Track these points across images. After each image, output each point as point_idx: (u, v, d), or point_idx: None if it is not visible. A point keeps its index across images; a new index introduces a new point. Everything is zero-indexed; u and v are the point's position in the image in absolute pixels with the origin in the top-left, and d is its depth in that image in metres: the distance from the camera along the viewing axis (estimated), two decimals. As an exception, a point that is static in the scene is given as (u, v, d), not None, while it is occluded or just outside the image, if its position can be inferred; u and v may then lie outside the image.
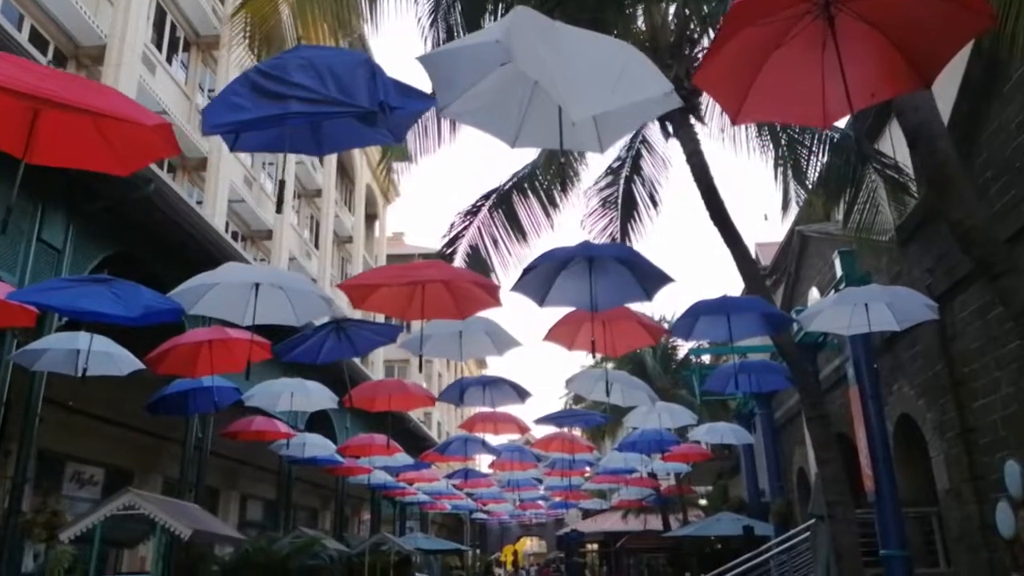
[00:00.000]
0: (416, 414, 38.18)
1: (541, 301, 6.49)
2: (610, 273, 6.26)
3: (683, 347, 26.34)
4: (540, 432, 15.59)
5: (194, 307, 6.53)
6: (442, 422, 46.70)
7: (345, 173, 35.14)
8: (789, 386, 10.22)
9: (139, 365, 8.31)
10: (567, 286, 6.38)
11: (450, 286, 6.81)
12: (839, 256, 12.00)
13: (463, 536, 44.48)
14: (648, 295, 6.33)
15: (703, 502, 30.16)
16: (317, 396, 10.45)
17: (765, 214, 36.24)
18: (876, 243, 11.02)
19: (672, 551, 20.65)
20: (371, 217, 39.54)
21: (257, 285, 6.51)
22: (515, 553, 43.41)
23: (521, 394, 10.49)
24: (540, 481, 26.84)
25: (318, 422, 18.24)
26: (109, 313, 6.06)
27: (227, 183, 21.32)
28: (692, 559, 20.30)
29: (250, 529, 17.50)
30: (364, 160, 35.53)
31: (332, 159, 31.11)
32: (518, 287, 6.24)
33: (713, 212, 8.90)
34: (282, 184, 4.88)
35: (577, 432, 18.10)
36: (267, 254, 26.26)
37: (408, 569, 17.96)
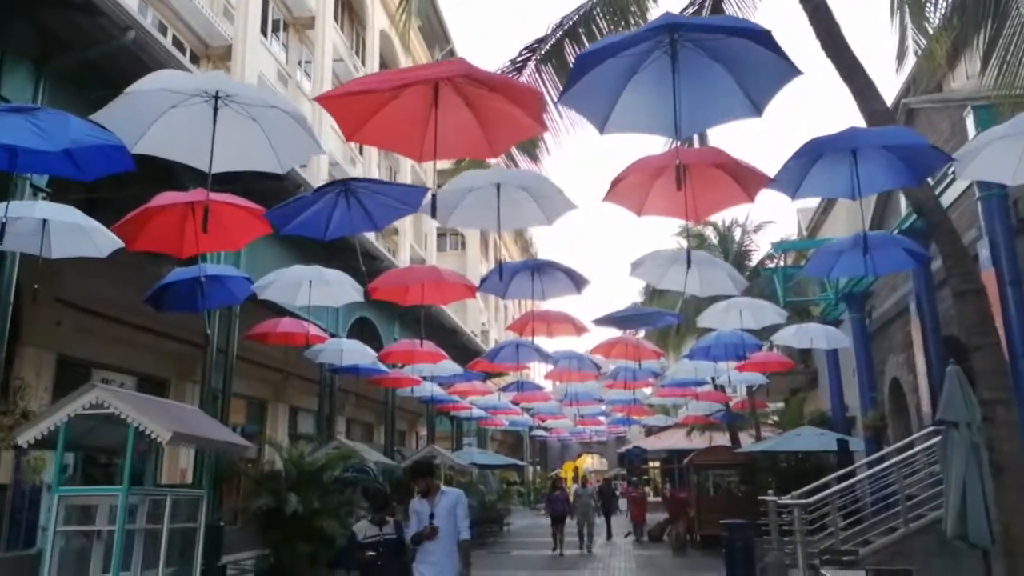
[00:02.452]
0: (472, 327, 37.35)
1: (602, 124, 4.69)
2: (701, 76, 4.38)
3: (758, 251, 24.13)
4: (600, 337, 13.93)
5: (138, 144, 4.89)
6: (500, 339, 45.74)
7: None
8: (914, 265, 8.27)
9: (121, 242, 6.93)
10: (640, 99, 4.54)
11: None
12: (973, 113, 9.70)
13: (523, 453, 44.12)
14: (757, 107, 4.44)
15: (774, 419, 28.43)
16: (339, 287, 8.99)
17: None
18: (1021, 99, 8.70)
19: (745, 468, 19.02)
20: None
21: (216, 104, 4.59)
22: (575, 470, 42.83)
23: (577, 282, 8.81)
24: (601, 401, 25.53)
25: (365, 332, 17.10)
26: (22, 147, 4.53)
27: (255, 76, 19.82)
28: (767, 476, 18.71)
29: (299, 442, 16.67)
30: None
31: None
32: (567, 98, 4.44)
33: (824, 37, 6.83)
34: None
35: (642, 335, 16.37)
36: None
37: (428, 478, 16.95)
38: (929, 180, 7.52)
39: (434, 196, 5.47)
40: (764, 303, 11.21)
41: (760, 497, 12.67)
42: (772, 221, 59.35)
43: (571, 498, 19.67)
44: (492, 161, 7.37)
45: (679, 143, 4.69)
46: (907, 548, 9.23)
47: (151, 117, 4.80)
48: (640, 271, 8.61)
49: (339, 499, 10.89)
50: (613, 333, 13.66)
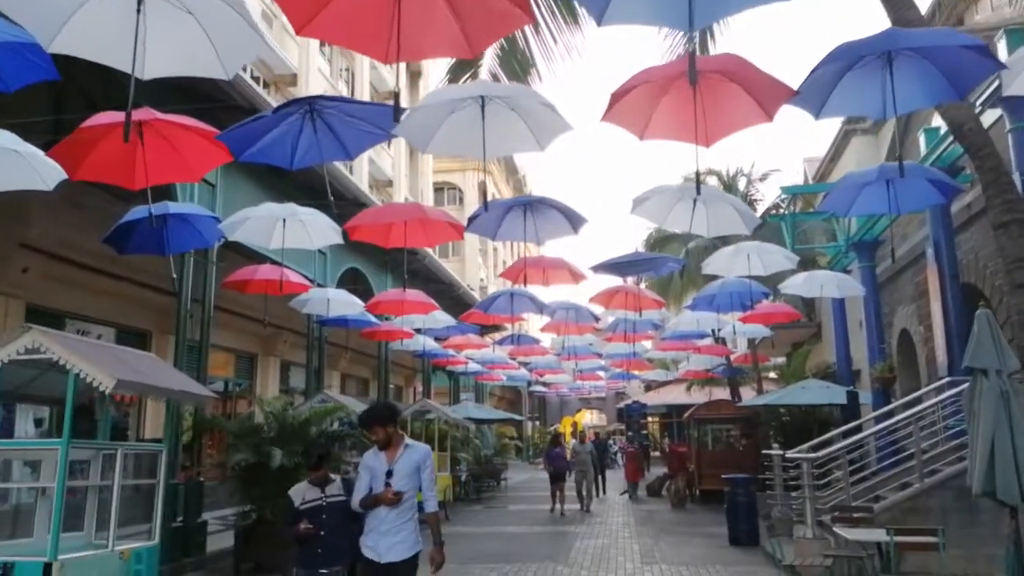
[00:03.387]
0: (469, 281, 36.64)
1: (601, 13, 3.94)
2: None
3: (763, 201, 23.38)
4: (599, 285, 13.31)
5: (53, 42, 4.13)
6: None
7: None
8: (941, 201, 7.57)
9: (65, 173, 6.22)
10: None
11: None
12: (1005, 36, 8.89)
13: (521, 409, 43.93)
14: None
15: (774, 374, 28.00)
16: (315, 227, 8.29)
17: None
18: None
19: (747, 422, 18.59)
20: (414, 74, 36.51)
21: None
22: (574, 425, 42.68)
23: (573, 221, 8.11)
24: (599, 355, 25.01)
25: (358, 286, 16.44)
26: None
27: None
28: (769, 430, 18.29)
29: (283, 395, 16.14)
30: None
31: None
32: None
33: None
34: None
35: (643, 286, 15.70)
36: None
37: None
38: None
39: (396, 105, 4.34)
40: (773, 247, 10.52)
41: (764, 451, 12.19)
42: (778, 170, 58.02)
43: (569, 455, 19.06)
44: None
45: (692, 37, 3.94)
46: (921, 504, 8.73)
47: (66, 10, 4.04)
48: (643, 208, 7.90)
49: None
50: (612, 282, 13.01)
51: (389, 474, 4.51)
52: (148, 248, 8.51)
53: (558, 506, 16.03)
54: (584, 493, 16.89)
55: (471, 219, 8.06)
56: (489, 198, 49.17)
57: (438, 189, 46.21)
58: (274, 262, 11.66)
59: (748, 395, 22.87)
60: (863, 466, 10.47)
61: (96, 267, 12.01)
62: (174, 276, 8.10)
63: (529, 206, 7.98)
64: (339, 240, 8.43)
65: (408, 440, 4.75)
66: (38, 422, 12.02)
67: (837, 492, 10.12)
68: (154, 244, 8.45)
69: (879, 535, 6.46)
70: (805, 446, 9.95)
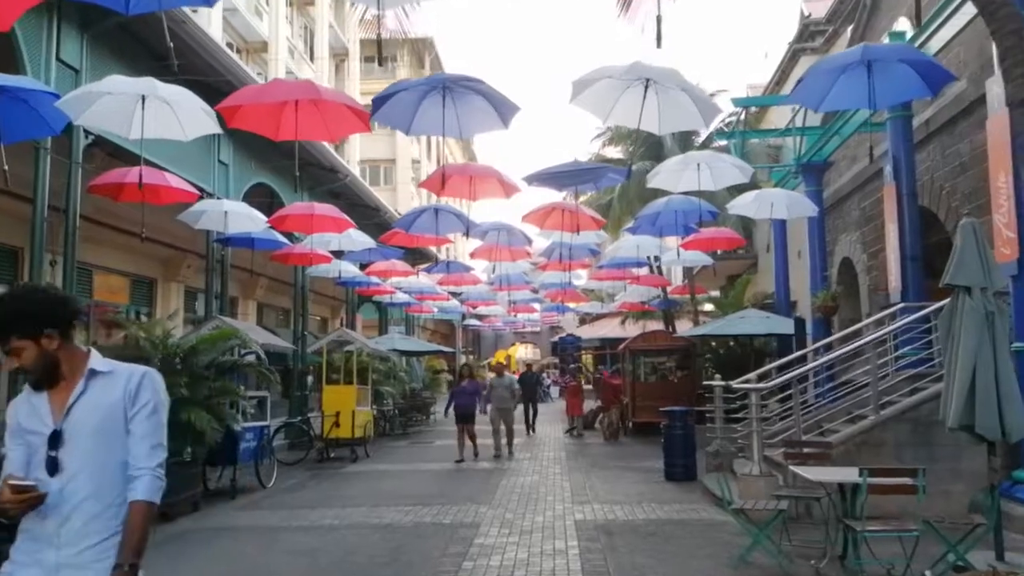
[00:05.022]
0: (403, 208, 34.82)
1: None
2: None
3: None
4: (531, 203, 12.09)
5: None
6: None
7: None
8: (927, 94, 6.55)
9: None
10: None
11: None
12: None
13: (455, 344, 42.98)
14: None
15: (709, 307, 27.66)
16: (183, 110, 6.69)
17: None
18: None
19: (683, 353, 17.99)
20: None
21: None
22: (507, 358, 42.08)
23: (503, 110, 6.78)
24: (535, 290, 24.02)
25: (273, 208, 14.72)
26: None
27: None
28: (705, 362, 17.76)
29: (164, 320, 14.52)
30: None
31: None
32: None
33: None
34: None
35: (586, 199, 14.41)
36: (263, 67, 25.68)
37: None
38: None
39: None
40: (725, 157, 9.49)
41: (706, 382, 11.44)
42: (725, 90, 57.12)
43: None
44: None
45: None
46: (875, 438, 8.03)
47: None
48: (584, 98, 6.64)
49: (212, 387, 8.99)
50: (547, 199, 11.81)
51: (55, 439, 2.16)
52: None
53: (466, 457, 13.12)
54: (503, 436, 13.93)
55: (377, 102, 6.62)
56: (441, 154, 46.75)
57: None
58: (159, 167, 10.04)
59: (684, 328, 22.37)
60: (804, 400, 9.80)
61: (118, 226, 10.28)
62: (4, 167, 6.44)
63: (449, 90, 6.60)
64: (215, 128, 6.87)
65: (101, 362, 2.30)
66: None
67: (781, 425, 9.41)
68: (-21, 128, 6.75)
69: (847, 475, 5.61)
70: (752, 375, 9.12)
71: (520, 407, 16.75)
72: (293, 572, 6.30)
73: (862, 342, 8.84)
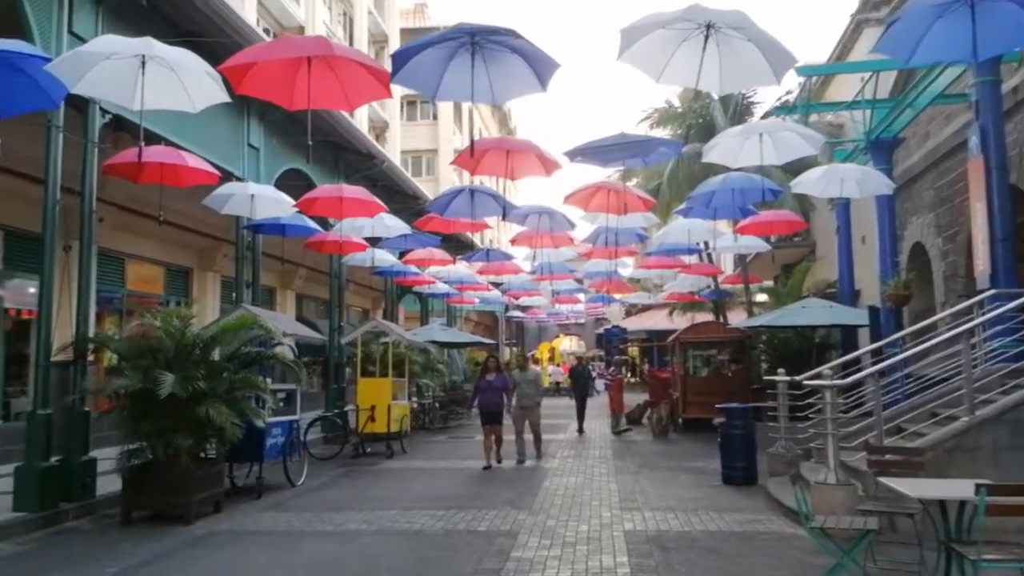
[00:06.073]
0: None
1: None
2: None
3: (763, 104, 21.20)
4: (573, 181, 11.22)
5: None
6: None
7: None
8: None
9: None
10: None
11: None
12: None
13: (499, 336, 42.31)
14: None
15: (762, 297, 26.41)
16: (187, 73, 6.05)
17: None
18: None
19: (737, 346, 16.93)
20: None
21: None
22: (552, 351, 41.28)
23: (540, 71, 5.97)
24: (579, 281, 23.13)
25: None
26: None
27: None
28: (762, 355, 16.71)
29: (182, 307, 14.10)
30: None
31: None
32: None
33: None
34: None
35: (633, 184, 13.45)
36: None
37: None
38: None
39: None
40: (791, 124, 8.49)
41: (767, 377, 10.48)
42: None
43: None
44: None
45: None
46: (969, 442, 7.02)
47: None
48: (634, 52, 5.78)
49: (233, 380, 8.42)
50: (591, 179, 10.97)
51: None
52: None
53: (493, 462, 11.57)
54: (524, 437, 12.15)
55: (397, 60, 5.86)
56: (473, 129, 46.32)
57: (410, 103, 43.23)
58: (180, 147, 9.51)
59: (736, 319, 21.26)
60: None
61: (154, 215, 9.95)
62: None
63: (480, 47, 5.82)
64: (223, 96, 6.23)
65: None
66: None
67: (856, 426, 8.42)
68: (-27, 100, 6.25)
69: (958, 490, 4.69)
70: (824, 369, 8.14)
71: (548, 401, 15.23)
72: (308, 588, 5.64)
73: (951, 333, 7.78)
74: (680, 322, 27.30)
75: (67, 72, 5.91)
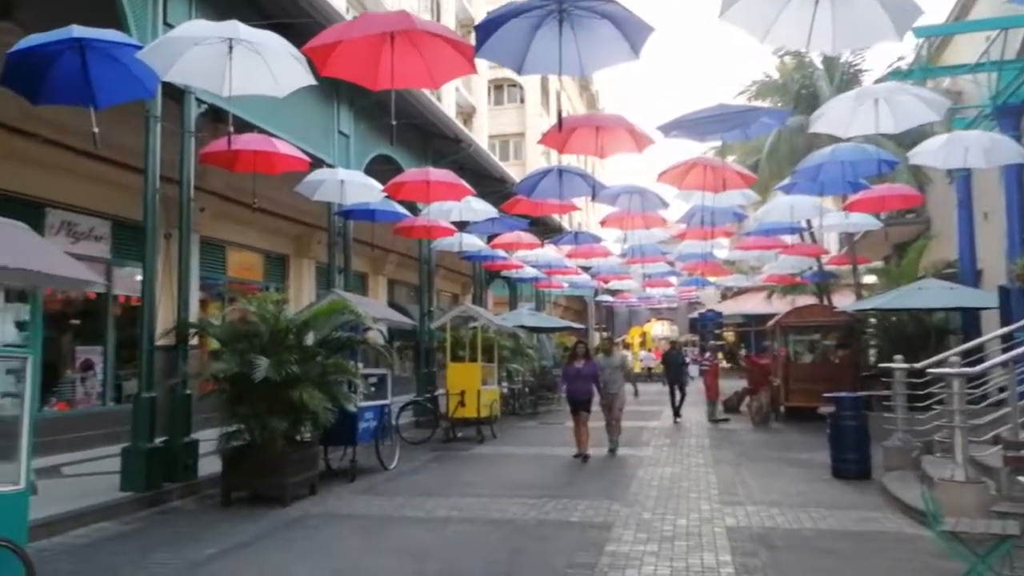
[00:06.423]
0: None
1: None
2: None
3: (871, 72, 19.80)
4: (665, 158, 10.72)
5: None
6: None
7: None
8: None
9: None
10: None
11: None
12: None
13: (588, 321, 41.85)
14: None
15: (870, 279, 24.86)
16: (273, 56, 6.01)
17: None
18: None
19: (845, 330, 15.94)
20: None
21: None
22: (643, 335, 40.47)
23: (632, 36, 5.57)
24: (671, 263, 22.37)
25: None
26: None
27: None
28: (872, 340, 15.66)
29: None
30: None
31: None
32: None
33: None
34: None
35: (733, 159, 12.69)
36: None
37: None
38: None
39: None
40: (910, 88, 7.70)
41: (883, 364, 9.72)
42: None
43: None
44: None
45: None
46: None
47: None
48: (737, 10, 5.31)
49: (325, 365, 8.47)
50: (685, 155, 10.43)
51: None
52: (69, 96, 6.50)
53: (583, 450, 11.01)
54: (614, 426, 11.67)
55: (481, 32, 5.59)
56: (554, 96, 45.63)
57: (498, 86, 43.13)
58: (270, 134, 9.64)
59: (842, 303, 20.03)
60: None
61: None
62: (95, 130, 6.06)
63: (567, 15, 5.48)
64: (309, 78, 6.17)
65: None
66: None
67: (983, 419, 7.63)
68: (76, 92, 6.43)
69: None
70: (950, 355, 7.39)
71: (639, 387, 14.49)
72: (397, 578, 5.54)
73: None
74: (779, 306, 26.09)
75: (158, 59, 5.99)
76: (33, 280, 4.25)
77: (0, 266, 3.82)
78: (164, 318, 11.50)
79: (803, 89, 18.35)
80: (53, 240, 10.88)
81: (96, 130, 6.06)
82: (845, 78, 18.05)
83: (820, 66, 18.84)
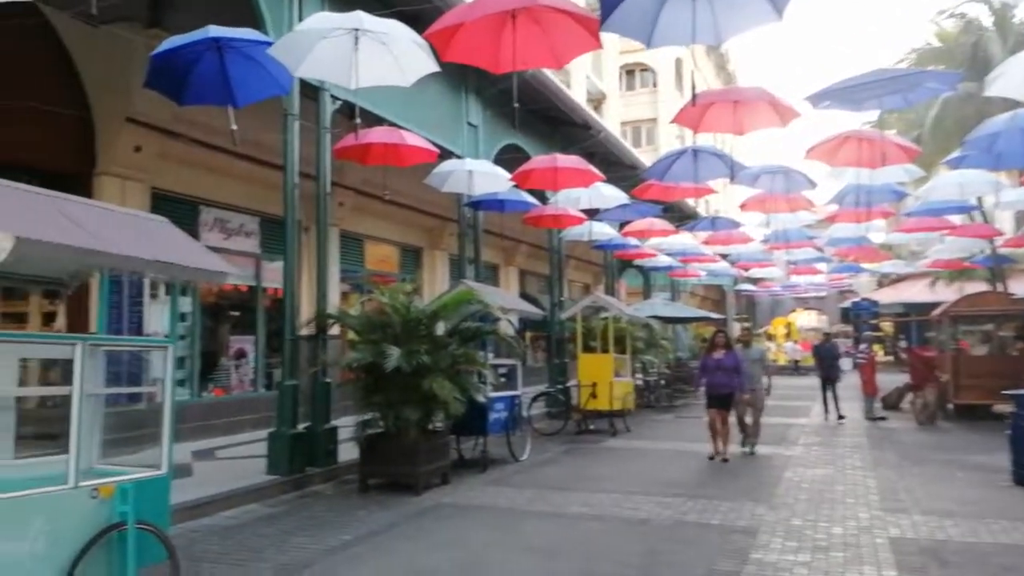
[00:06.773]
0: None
1: None
2: None
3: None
4: (806, 136, 9.81)
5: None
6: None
7: None
8: None
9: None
10: None
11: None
12: None
13: (726, 311, 40.16)
14: None
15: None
16: (398, 44, 5.97)
17: None
18: None
19: (1024, 320, 14.19)
20: None
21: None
22: (788, 326, 38.26)
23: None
24: (819, 249, 20.83)
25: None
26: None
27: None
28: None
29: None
30: None
31: None
32: None
33: None
34: None
35: (893, 134, 11.35)
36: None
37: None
38: None
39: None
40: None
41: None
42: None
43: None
44: None
45: None
46: None
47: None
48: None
49: (455, 355, 8.47)
50: (834, 124, 9.53)
51: None
52: (211, 96, 6.81)
53: (720, 447, 10.10)
54: (749, 422, 10.82)
55: (607, 1, 5.25)
56: (688, 78, 44.12)
57: (629, 72, 42.19)
58: (400, 127, 9.76)
59: (1021, 291, 17.88)
60: None
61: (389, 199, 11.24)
62: (233, 128, 6.30)
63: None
64: (432, 65, 6.09)
65: None
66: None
67: None
68: (216, 91, 6.72)
69: None
70: None
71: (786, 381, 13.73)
72: None
73: None
74: (945, 293, 23.77)
75: (288, 55, 6.12)
76: (171, 272, 4.41)
77: (140, 258, 3.96)
78: (307, 309, 12.07)
79: (977, 52, 16.47)
80: (207, 236, 11.65)
81: (235, 127, 6.30)
82: (1022, 38, 16.01)
83: (991, 26, 16.84)
